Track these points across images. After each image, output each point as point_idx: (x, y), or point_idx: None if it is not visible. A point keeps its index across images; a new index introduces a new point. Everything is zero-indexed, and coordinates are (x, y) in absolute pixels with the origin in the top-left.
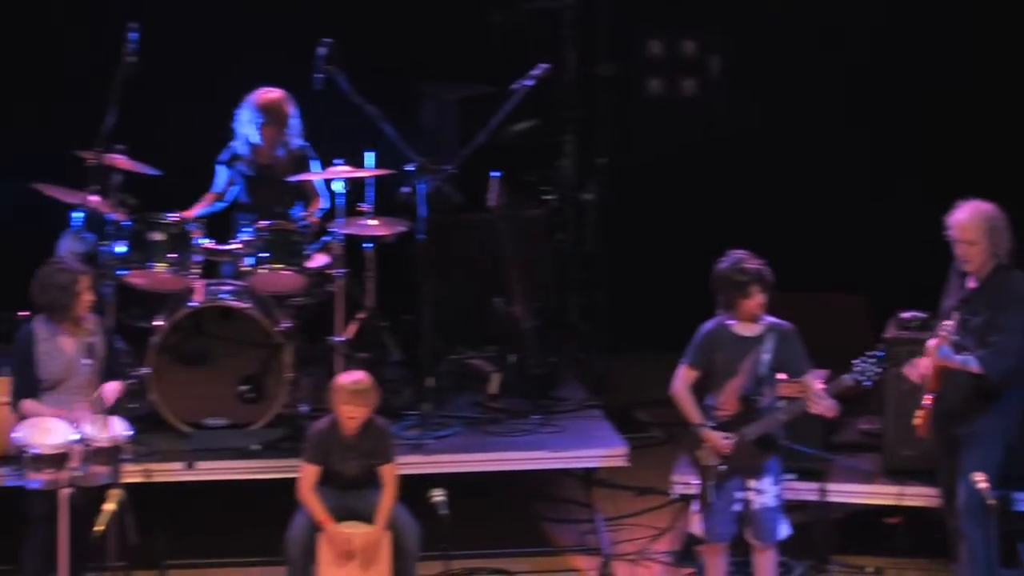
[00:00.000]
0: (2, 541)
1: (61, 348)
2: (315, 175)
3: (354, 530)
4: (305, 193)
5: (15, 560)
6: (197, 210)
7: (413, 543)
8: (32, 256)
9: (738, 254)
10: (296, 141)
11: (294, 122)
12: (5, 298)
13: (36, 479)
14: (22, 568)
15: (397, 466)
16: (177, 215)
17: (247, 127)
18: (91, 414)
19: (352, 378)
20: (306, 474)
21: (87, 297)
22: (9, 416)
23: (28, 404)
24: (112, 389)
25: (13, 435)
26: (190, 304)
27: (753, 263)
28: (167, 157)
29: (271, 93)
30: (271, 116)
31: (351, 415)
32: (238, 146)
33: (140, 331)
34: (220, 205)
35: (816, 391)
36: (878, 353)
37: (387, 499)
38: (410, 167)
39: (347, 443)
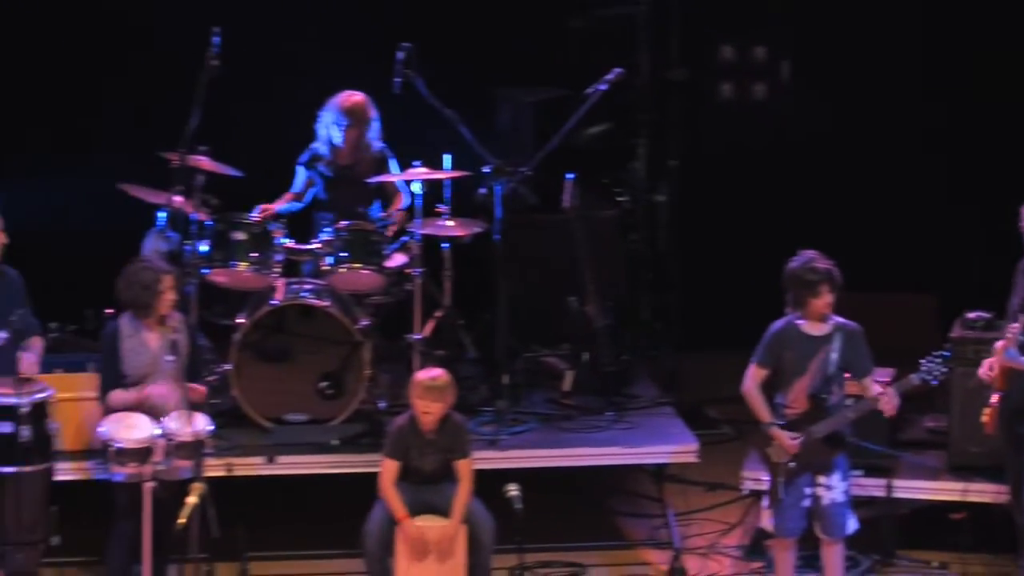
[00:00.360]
0: (88, 533)
1: (146, 344)
2: (394, 176)
3: (430, 523)
4: (386, 192)
5: (100, 551)
6: (277, 206)
7: (488, 536)
8: (118, 255)
9: (809, 254)
10: (376, 143)
11: (375, 124)
12: (92, 296)
13: (120, 472)
14: (107, 559)
15: (473, 461)
16: (261, 207)
17: (330, 129)
18: (171, 392)
19: (430, 374)
20: (386, 469)
21: (169, 296)
22: (94, 411)
23: (114, 395)
24: (198, 393)
25: (98, 430)
26: (271, 302)
27: (823, 263)
28: (248, 158)
29: (354, 96)
30: (354, 118)
31: (426, 410)
32: (319, 147)
33: (222, 328)
34: (298, 205)
35: (874, 393)
36: (944, 353)
37: (463, 493)
38: (487, 169)
39: (426, 439)
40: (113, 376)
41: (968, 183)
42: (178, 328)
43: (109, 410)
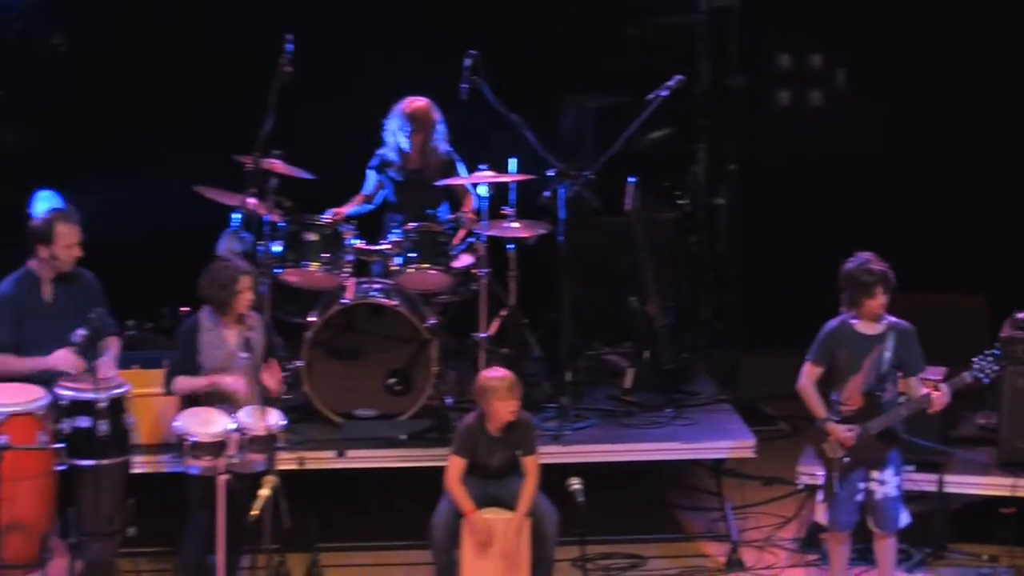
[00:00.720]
0: (163, 524)
1: (224, 340)
2: (461, 179)
3: (496, 516)
4: (454, 194)
5: (175, 542)
6: (348, 209)
7: (552, 528)
8: (194, 256)
9: (864, 256)
10: (442, 147)
11: (440, 129)
12: (169, 295)
13: (195, 466)
14: (182, 549)
15: (539, 456)
16: (332, 212)
17: (396, 135)
18: (244, 385)
19: (499, 374)
20: (453, 465)
21: (247, 296)
22: (170, 405)
23: (180, 380)
24: (273, 375)
25: (174, 424)
26: (342, 301)
27: (879, 265)
28: (320, 162)
29: (417, 102)
30: (418, 124)
31: (512, 409)
32: (387, 152)
33: (294, 326)
34: (368, 207)
35: (920, 393)
36: (995, 351)
37: (529, 488)
38: (551, 172)
39: (493, 437)
40: (185, 365)
41: (1018, 185)
42: (254, 326)
43: (173, 394)
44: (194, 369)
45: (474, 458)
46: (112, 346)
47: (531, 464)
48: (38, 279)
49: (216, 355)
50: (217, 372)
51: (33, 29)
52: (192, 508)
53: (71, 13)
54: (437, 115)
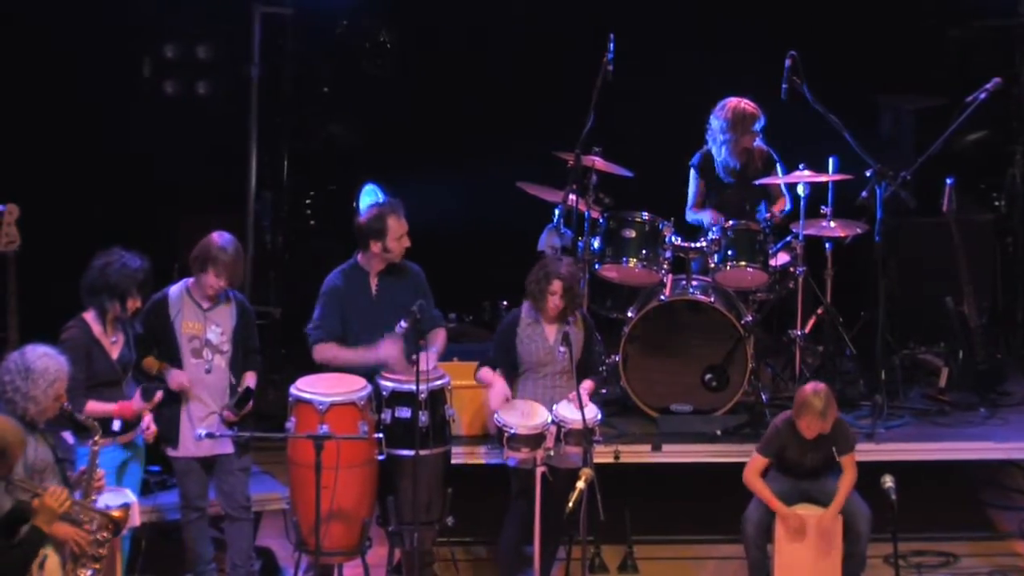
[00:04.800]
0: (482, 513)
1: (544, 335)
2: (779, 179)
3: (808, 512)
4: (770, 194)
5: (491, 532)
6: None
7: (864, 526)
8: (515, 250)
9: None
10: (763, 146)
11: (761, 129)
12: (490, 289)
13: (513, 457)
14: (501, 538)
15: (856, 455)
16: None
17: (716, 134)
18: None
19: (816, 387)
20: (754, 462)
21: (555, 300)
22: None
23: (484, 371)
24: (587, 388)
25: (494, 416)
26: (660, 297)
27: None
28: (640, 159)
29: (740, 103)
30: (739, 125)
31: (816, 431)
32: (709, 150)
33: (612, 321)
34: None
35: None
36: None
37: (846, 484)
38: (869, 173)
39: (806, 440)
40: (497, 358)
41: None
42: (573, 320)
43: (479, 382)
44: (510, 362)
45: (783, 458)
46: (438, 339)
47: (848, 462)
48: (366, 273)
49: (535, 349)
50: (535, 367)
51: (359, 27)
52: (511, 498)
53: (397, 11)
54: (759, 116)
